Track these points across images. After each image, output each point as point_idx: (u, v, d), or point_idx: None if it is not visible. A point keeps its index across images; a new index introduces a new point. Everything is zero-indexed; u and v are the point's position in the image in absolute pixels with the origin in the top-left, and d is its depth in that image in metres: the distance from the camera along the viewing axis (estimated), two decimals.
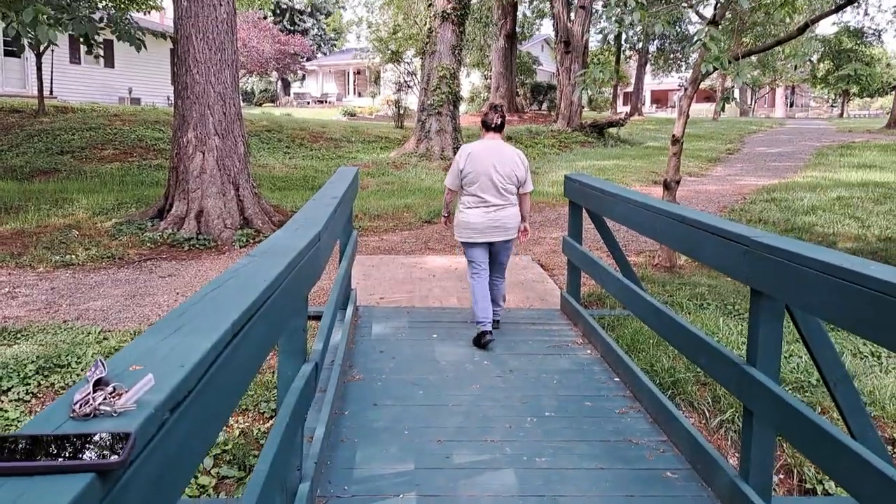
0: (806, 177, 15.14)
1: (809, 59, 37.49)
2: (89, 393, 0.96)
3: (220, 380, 1.33)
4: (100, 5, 15.07)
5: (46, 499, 0.76)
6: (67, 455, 0.83)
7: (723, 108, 5.93)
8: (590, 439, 3.55)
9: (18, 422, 3.98)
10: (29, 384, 4.28)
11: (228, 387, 1.42)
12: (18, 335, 5.04)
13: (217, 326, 1.39)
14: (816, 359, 2.78)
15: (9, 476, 0.79)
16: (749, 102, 52.73)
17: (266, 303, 1.76)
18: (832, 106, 56.67)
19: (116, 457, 0.83)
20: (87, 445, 0.86)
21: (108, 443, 0.86)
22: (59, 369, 4.47)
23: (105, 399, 0.95)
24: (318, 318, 4.44)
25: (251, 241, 8.45)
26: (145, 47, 8.57)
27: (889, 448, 3.64)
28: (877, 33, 36.48)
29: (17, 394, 4.17)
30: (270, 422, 4.10)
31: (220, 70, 8.69)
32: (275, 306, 1.90)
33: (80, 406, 0.94)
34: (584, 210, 5.55)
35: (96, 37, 8.52)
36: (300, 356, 2.65)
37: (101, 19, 8.61)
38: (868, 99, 53.18)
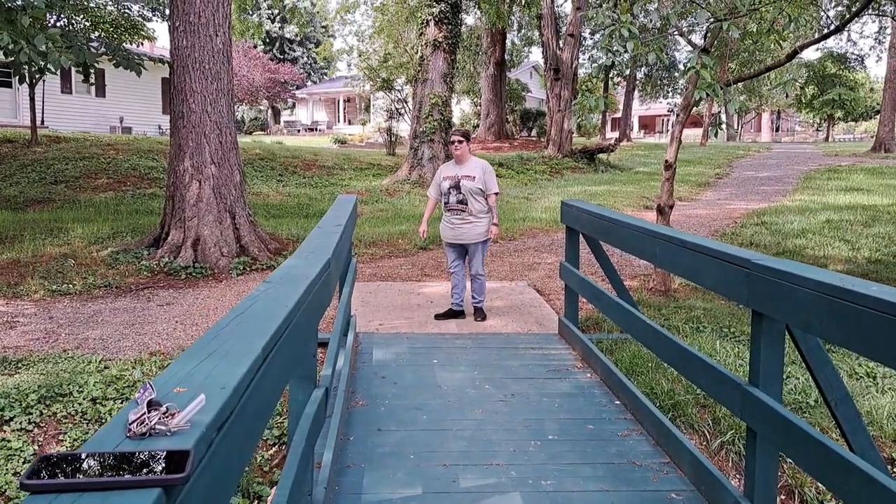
0: (795, 200, 15.34)
1: (796, 84, 38.09)
2: (144, 413, 1.00)
3: (253, 403, 1.37)
4: (92, 35, 15.23)
5: None
6: (132, 471, 0.87)
7: (716, 134, 6.05)
8: (594, 462, 3.59)
9: (21, 451, 3.97)
10: (31, 414, 4.27)
11: (259, 410, 1.46)
12: (19, 365, 5.04)
13: (249, 351, 1.43)
14: (817, 378, 2.83)
15: (82, 491, 0.83)
16: (735, 127, 53.41)
17: (288, 329, 1.81)
18: (817, 130, 57.42)
19: (181, 472, 0.87)
20: (150, 462, 0.90)
21: (168, 460, 0.91)
22: (61, 398, 4.46)
23: (160, 419, 1.00)
24: (323, 344, 4.47)
25: (248, 268, 8.48)
26: (145, 68, 8.65)
27: (888, 468, 3.68)
28: (860, 59, 37.18)
29: (20, 423, 4.17)
30: (273, 449, 4.11)
31: (217, 99, 8.78)
32: (294, 332, 1.94)
33: (137, 426, 0.98)
34: (580, 235, 5.63)
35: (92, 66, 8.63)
36: (311, 382, 2.69)
37: (98, 48, 8.71)
38: (853, 123, 53.98)
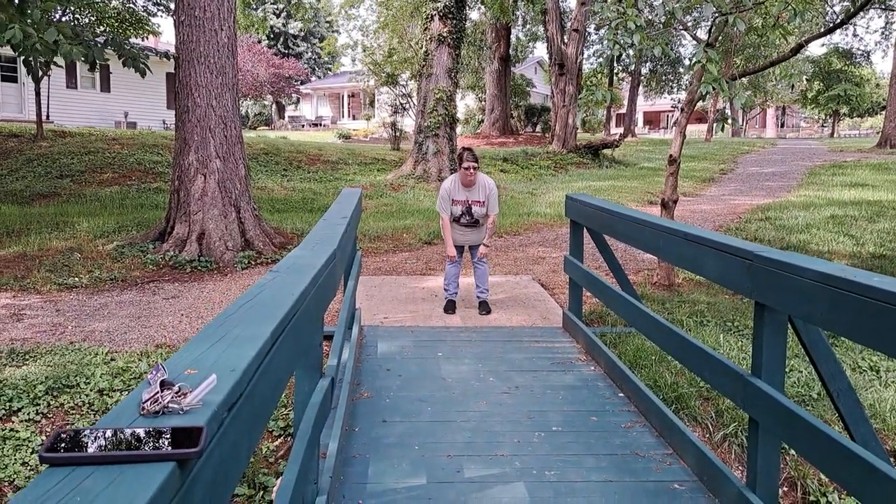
0: (799, 196, 15.31)
1: (802, 78, 38.01)
2: (157, 392, 1.03)
3: (261, 387, 1.40)
4: (97, 30, 15.28)
5: (136, 485, 0.82)
6: (147, 447, 0.90)
7: (722, 128, 6.12)
8: (597, 453, 3.61)
9: (29, 441, 4.01)
10: (39, 405, 4.31)
11: (267, 395, 1.49)
12: (27, 357, 5.08)
13: (258, 336, 1.46)
14: (819, 369, 2.85)
15: (99, 465, 0.85)
16: (740, 123, 53.28)
17: (295, 316, 1.83)
18: (823, 126, 57.26)
19: (195, 447, 0.90)
20: (164, 438, 0.92)
21: (182, 436, 0.93)
22: (68, 390, 4.50)
23: (172, 398, 1.02)
24: (328, 337, 4.50)
25: (253, 262, 8.51)
26: (149, 70, 8.66)
27: (891, 460, 3.70)
28: (865, 54, 37.03)
29: (28, 414, 4.21)
30: (279, 440, 4.14)
31: (222, 93, 8.81)
32: (301, 321, 1.96)
33: (150, 404, 1.01)
34: (584, 229, 5.64)
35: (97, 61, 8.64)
36: (317, 372, 2.72)
37: (105, 43, 8.73)
38: (858, 119, 53.81)
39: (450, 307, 6.47)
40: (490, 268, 7.98)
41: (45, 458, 0.86)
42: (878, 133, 36.50)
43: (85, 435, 0.91)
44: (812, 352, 2.83)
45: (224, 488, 1.15)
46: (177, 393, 1.04)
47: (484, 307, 6.43)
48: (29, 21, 6.33)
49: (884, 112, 33.75)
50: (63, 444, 0.89)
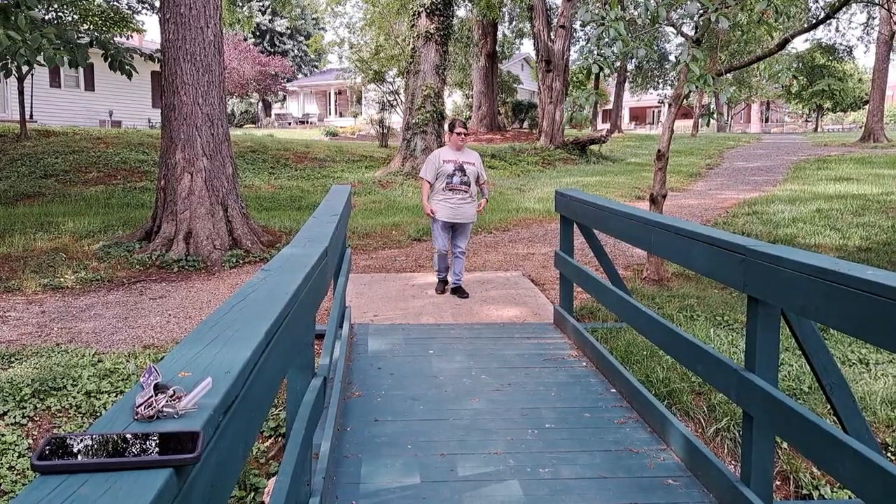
0: (785, 190, 15.39)
1: (788, 73, 38.17)
2: (151, 396, 1.00)
3: (256, 388, 1.37)
4: (81, 29, 15.12)
5: (133, 492, 0.80)
6: (142, 452, 0.87)
7: (707, 123, 6.22)
8: (591, 449, 3.60)
9: (16, 445, 3.95)
10: (25, 408, 4.25)
11: (262, 395, 1.46)
12: (12, 359, 5.01)
13: (252, 336, 1.43)
14: (812, 363, 2.86)
15: (94, 472, 0.82)
16: (725, 118, 53.50)
17: (288, 315, 1.81)
18: (806, 121, 57.59)
19: (192, 452, 0.87)
20: (160, 443, 0.89)
21: (178, 441, 0.90)
22: (55, 392, 4.44)
23: (167, 402, 0.99)
24: (319, 336, 4.47)
25: (241, 261, 8.45)
26: (135, 70, 8.57)
27: (883, 452, 3.71)
28: (848, 49, 37.20)
29: (14, 417, 4.15)
30: (269, 441, 4.11)
31: (208, 91, 8.74)
32: (293, 320, 1.94)
33: (144, 408, 0.98)
34: (574, 224, 5.63)
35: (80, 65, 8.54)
36: (309, 371, 2.69)
37: (90, 43, 8.63)
38: (841, 114, 54.14)
39: (440, 287, 6.93)
40: (479, 264, 7.98)
41: (36, 467, 0.83)
42: (861, 127, 36.78)
43: (77, 441, 0.88)
44: (805, 345, 2.83)
45: (221, 492, 1.13)
46: (171, 396, 1.01)
47: (461, 292, 6.83)
48: (13, 26, 6.22)
49: (867, 107, 33.97)
50: (55, 451, 0.86)
